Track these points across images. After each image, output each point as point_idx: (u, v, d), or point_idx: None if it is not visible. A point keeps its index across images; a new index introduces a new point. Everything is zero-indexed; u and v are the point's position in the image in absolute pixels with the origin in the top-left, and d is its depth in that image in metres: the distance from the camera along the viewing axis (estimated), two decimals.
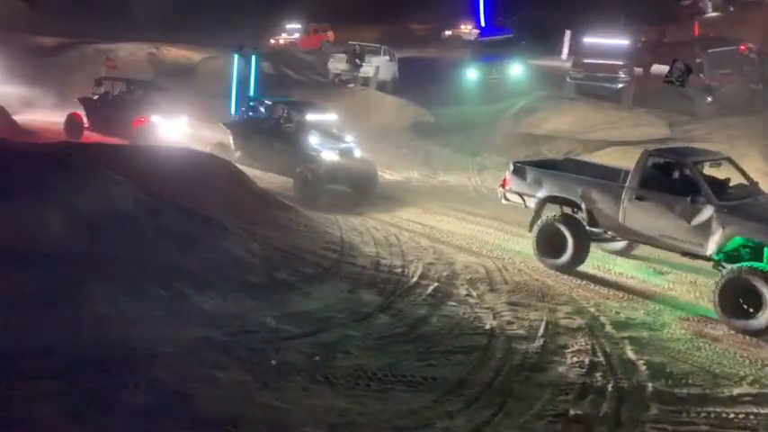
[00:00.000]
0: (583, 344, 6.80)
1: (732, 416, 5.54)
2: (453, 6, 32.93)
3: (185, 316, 6.10)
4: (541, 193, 9.55)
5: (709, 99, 17.92)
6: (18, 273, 5.83)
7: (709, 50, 18.93)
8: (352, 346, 6.33)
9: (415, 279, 8.50)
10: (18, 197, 6.77)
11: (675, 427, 5.32)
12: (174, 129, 16.12)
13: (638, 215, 8.56)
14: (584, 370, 6.23)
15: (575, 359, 6.46)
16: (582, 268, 9.26)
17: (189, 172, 9.63)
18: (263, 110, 14.14)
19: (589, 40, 20.71)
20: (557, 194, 9.45)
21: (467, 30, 33.91)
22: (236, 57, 18.85)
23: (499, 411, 5.41)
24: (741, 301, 7.43)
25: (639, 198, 8.56)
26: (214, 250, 7.60)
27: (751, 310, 7.35)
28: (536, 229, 9.44)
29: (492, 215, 12.10)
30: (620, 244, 9.76)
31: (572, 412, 5.44)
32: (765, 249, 7.59)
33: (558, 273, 9.17)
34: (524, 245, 10.38)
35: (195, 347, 5.50)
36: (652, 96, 18.64)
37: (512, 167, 10.07)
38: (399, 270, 8.79)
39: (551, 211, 9.64)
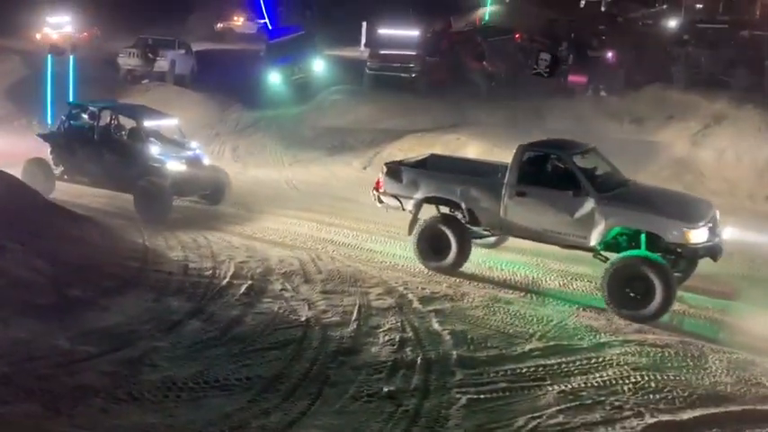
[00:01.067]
0: (393, 322, 7.09)
1: (525, 370, 6.12)
2: None
3: None
4: (419, 195, 9.14)
5: (492, 84, 19.55)
6: None
7: (489, 39, 20.59)
8: (160, 357, 6.01)
9: (227, 280, 8.26)
10: None
11: (478, 387, 5.75)
12: None
13: (519, 211, 8.46)
14: (395, 347, 6.50)
15: (386, 338, 6.72)
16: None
17: None
18: (86, 117, 12.26)
19: (383, 31, 21.42)
20: (435, 195, 9.09)
21: (239, 21, 33.44)
22: (49, 58, 16.89)
23: (315, 400, 5.46)
24: (628, 290, 7.56)
25: (520, 194, 8.45)
26: None
27: (638, 297, 7.49)
28: (416, 231, 9.02)
29: (304, 207, 12.20)
30: (492, 238, 9.65)
31: (385, 389, 5.65)
32: (642, 236, 7.73)
33: (371, 258, 9.47)
34: (336, 233, 10.61)
35: None
36: (442, 84, 19.83)
37: (385, 169, 9.56)
38: (210, 273, 8.49)
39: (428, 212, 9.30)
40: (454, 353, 6.38)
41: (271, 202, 12.62)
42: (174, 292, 7.78)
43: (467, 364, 6.18)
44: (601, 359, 6.36)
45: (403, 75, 19.73)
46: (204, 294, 7.77)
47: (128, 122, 12.23)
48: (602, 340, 6.89)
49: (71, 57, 17.27)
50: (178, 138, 12.49)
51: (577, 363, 6.27)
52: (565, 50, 18.96)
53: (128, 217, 11.05)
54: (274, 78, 21.03)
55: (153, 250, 9.26)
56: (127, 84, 22.04)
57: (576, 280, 8.81)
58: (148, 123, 12.09)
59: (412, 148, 14.29)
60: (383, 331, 6.89)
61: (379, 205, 9.74)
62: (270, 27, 26.42)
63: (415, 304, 7.62)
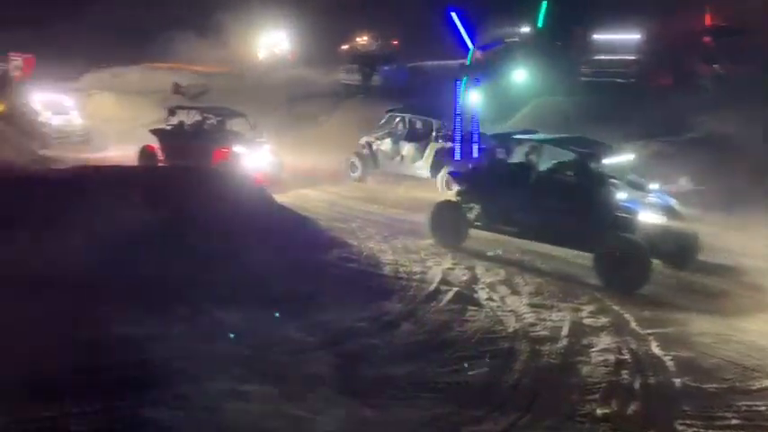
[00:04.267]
0: (608, 342, 6.74)
1: (763, 408, 5.45)
2: None
3: (208, 331, 6.13)
4: None
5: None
6: (39, 297, 5.89)
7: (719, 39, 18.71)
8: (376, 355, 6.32)
9: (434, 285, 8.48)
10: (35, 224, 6.87)
11: (706, 422, 5.25)
12: (258, 159, 14.72)
13: None
14: (610, 368, 6.18)
15: (600, 358, 6.41)
16: None
17: (211, 191, 9.70)
18: (520, 152, 10.13)
19: (598, 36, 20.56)
20: None
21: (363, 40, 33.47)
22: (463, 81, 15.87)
23: (525, 414, 5.36)
24: None
25: None
26: (235, 266, 7.64)
27: None
28: None
29: None
30: None
31: (599, 412, 5.39)
32: None
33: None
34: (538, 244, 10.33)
35: (221, 363, 5.52)
36: (665, 89, 18.46)
37: None
38: (418, 277, 8.78)
39: None
40: (678, 381, 5.89)
41: None
42: (386, 293, 8.17)
43: (693, 394, 5.68)
44: None
45: (620, 80, 18.76)
46: (414, 298, 8.05)
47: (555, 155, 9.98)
48: None
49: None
50: (634, 177, 9.69)
51: None
52: None
53: (343, 220, 11.81)
54: (474, 98, 21.20)
55: (367, 254, 9.81)
56: (341, 98, 23.69)
57: None
58: (607, 161, 9.53)
59: None
60: (596, 351, 6.59)
61: None
62: (471, 47, 26.60)
63: (633, 325, 7.18)
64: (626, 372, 6.09)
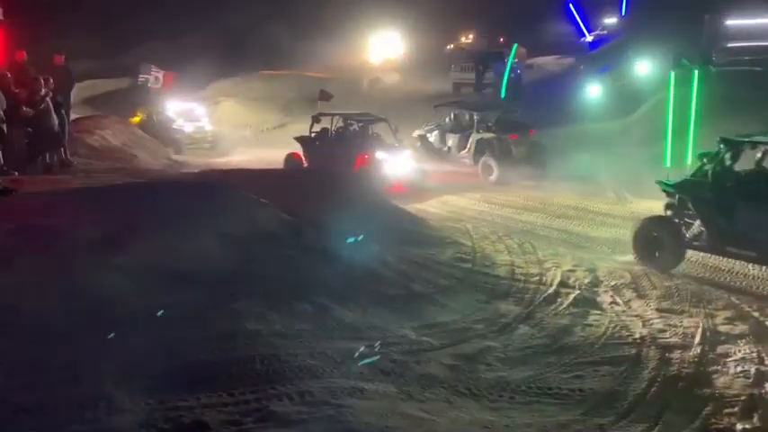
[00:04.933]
0: (747, 351, 6.24)
1: None
2: None
3: (329, 329, 6.30)
4: None
5: None
6: (177, 291, 6.29)
7: None
8: (493, 357, 6.22)
9: (553, 287, 8.23)
10: (174, 223, 7.35)
11: None
12: (400, 165, 14.81)
13: None
14: (750, 380, 5.72)
15: (738, 368, 5.95)
16: None
17: (328, 192, 10.00)
18: (747, 156, 8.85)
19: (731, 21, 19.13)
20: None
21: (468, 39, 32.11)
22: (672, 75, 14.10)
23: (655, 425, 5.08)
24: None
25: None
26: (352, 265, 7.81)
27: None
28: None
29: None
30: None
31: (739, 426, 5.01)
32: None
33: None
34: None
35: (341, 360, 5.67)
36: None
37: None
38: (536, 279, 8.56)
39: None
40: None
41: None
42: (502, 295, 8.04)
43: None
44: None
45: (758, 69, 17.37)
46: (532, 300, 7.86)
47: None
48: None
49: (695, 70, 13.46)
50: None
51: None
52: None
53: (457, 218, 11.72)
54: (594, 91, 20.46)
55: (481, 253, 9.70)
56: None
57: None
58: None
59: None
60: (734, 361, 6.12)
61: None
62: (590, 39, 25.77)
63: None
64: None
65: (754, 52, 17.46)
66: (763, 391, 5.53)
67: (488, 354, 6.28)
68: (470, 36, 36.06)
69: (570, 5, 25.55)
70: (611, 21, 27.15)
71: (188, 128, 23.12)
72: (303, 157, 16.03)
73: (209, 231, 7.34)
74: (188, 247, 6.88)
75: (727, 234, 8.56)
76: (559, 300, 7.83)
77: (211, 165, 17.45)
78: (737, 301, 7.61)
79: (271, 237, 7.82)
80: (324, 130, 16.25)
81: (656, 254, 9.10)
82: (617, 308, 7.63)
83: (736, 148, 8.74)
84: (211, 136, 23.48)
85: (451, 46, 34.96)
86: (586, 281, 8.51)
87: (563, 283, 8.39)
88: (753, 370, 5.90)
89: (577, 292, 8.08)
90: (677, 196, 9.18)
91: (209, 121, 24.32)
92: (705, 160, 9.00)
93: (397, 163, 14.86)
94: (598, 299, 7.94)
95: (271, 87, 30.97)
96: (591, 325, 7.11)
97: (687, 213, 9.13)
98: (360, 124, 15.96)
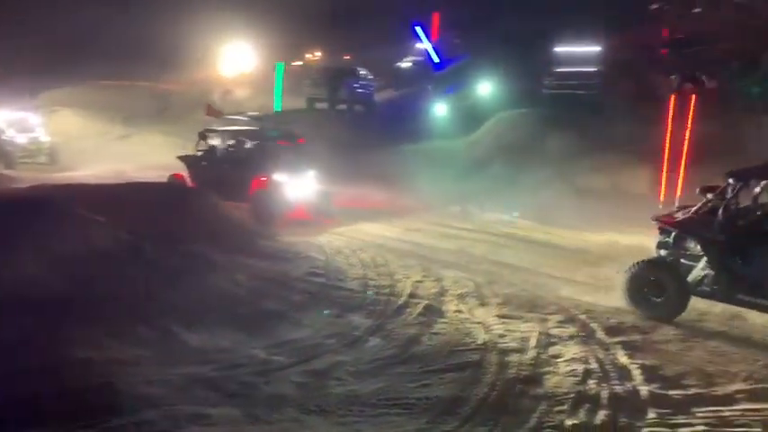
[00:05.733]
0: (575, 352, 6.78)
1: (728, 414, 5.52)
2: None
3: (173, 354, 6.00)
4: None
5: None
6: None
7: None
8: (344, 371, 6.24)
9: (403, 298, 8.43)
10: None
11: (673, 429, 5.29)
12: (301, 188, 13.21)
13: None
14: (578, 378, 6.20)
15: (568, 368, 6.43)
16: None
17: (171, 206, 9.56)
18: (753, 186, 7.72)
19: (559, 48, 20.96)
20: None
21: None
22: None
23: (494, 428, 5.34)
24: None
25: None
26: (200, 284, 7.51)
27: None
28: None
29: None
30: None
31: (568, 423, 5.40)
32: None
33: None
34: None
35: (184, 386, 5.40)
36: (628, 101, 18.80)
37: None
38: (387, 291, 8.73)
39: None
40: (645, 389, 5.94)
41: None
42: (354, 308, 8.10)
43: (660, 402, 5.71)
44: None
45: (582, 92, 19.13)
46: (383, 312, 8.00)
47: None
48: None
49: None
50: None
51: None
52: None
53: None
54: (441, 110, 21.52)
55: (334, 267, 9.74)
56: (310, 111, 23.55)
57: None
58: None
59: None
60: (564, 361, 6.61)
61: None
62: (436, 60, 26.99)
63: (600, 334, 7.24)
64: None
65: (577, 77, 19.28)
66: (588, 389, 6.00)
67: (339, 368, 6.29)
68: (317, 54, 36.47)
69: (418, 28, 26.70)
70: (421, 46, 28.77)
71: (20, 139, 21.10)
72: (189, 180, 14.00)
73: (35, 252, 6.72)
74: (9, 272, 6.24)
75: (741, 281, 7.37)
76: (408, 310, 8.04)
77: (51, 181, 15.98)
78: (567, 306, 8.25)
79: (107, 256, 7.32)
80: (212, 148, 14.27)
81: (657, 300, 7.88)
82: (461, 315, 7.97)
83: (746, 182, 7.57)
84: (49, 148, 21.57)
85: (300, 62, 35.12)
86: (434, 291, 8.82)
87: (412, 294, 8.63)
88: (581, 369, 6.39)
89: (426, 302, 8.34)
90: (673, 234, 8.06)
91: (46, 132, 22.34)
92: (710, 196, 7.78)
93: (299, 186, 13.29)
94: (443, 308, 8.24)
95: (112, 97, 29.14)
96: (437, 333, 7.36)
97: (685, 254, 8.01)
98: (254, 142, 13.79)
